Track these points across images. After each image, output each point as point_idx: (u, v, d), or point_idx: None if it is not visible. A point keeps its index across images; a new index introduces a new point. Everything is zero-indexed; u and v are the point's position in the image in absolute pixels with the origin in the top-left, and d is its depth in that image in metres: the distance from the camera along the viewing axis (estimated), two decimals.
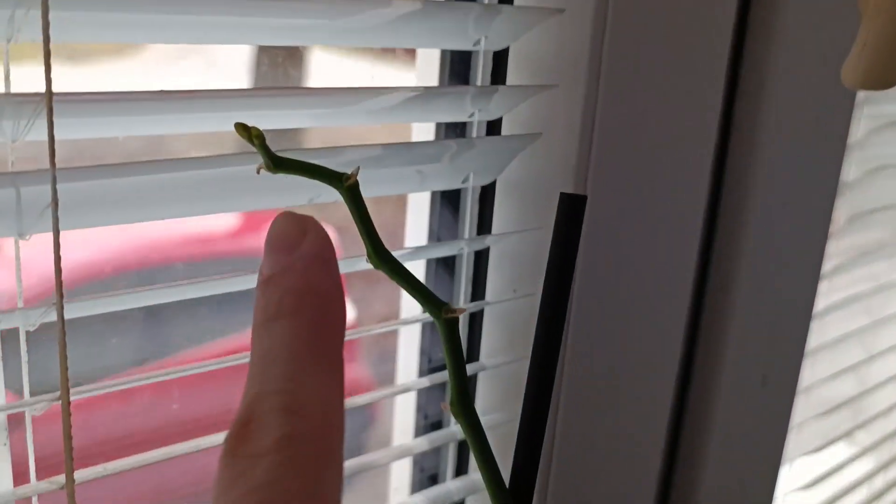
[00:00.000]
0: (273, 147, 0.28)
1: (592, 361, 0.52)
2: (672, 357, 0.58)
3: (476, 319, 0.54)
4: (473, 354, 0.54)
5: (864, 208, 0.83)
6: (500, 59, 0.50)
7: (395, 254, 0.28)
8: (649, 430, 0.58)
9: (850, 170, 0.76)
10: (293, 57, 0.54)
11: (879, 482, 1.00)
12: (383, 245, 0.29)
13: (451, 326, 0.29)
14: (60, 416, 0.31)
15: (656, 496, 0.61)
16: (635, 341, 0.55)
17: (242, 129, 0.28)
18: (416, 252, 0.46)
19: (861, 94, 0.69)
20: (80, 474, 0.35)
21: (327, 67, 0.57)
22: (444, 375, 0.49)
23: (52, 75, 0.29)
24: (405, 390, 0.48)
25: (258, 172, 0.28)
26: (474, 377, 0.53)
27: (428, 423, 0.56)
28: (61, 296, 0.29)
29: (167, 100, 0.32)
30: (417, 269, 0.53)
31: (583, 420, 0.53)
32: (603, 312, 0.52)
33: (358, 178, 0.28)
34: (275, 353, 0.21)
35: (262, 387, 0.20)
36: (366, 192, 0.29)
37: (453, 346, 0.29)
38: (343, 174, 0.28)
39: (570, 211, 0.27)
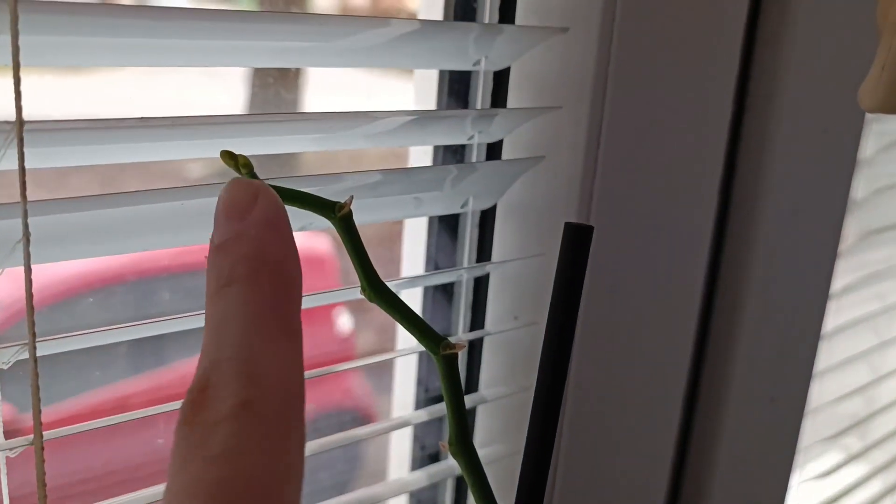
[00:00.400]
0: (265, 169, 0.26)
1: (598, 381, 0.51)
2: (680, 378, 0.56)
3: (475, 348, 0.52)
4: (472, 385, 0.52)
5: (872, 227, 0.81)
6: (500, 79, 0.49)
7: (391, 283, 0.26)
8: (656, 452, 0.57)
9: (859, 188, 0.74)
10: (289, 71, 0.53)
11: None
12: (378, 277, 0.28)
13: (449, 363, 0.27)
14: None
15: None
16: (642, 361, 0.53)
17: (229, 157, 0.26)
18: (413, 281, 0.44)
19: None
20: None
21: (322, 77, 0.55)
22: (442, 408, 0.47)
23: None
24: (402, 425, 0.46)
25: None
26: (473, 409, 0.51)
27: (425, 454, 0.54)
28: (34, 335, 0.27)
29: (149, 127, 0.31)
30: (414, 295, 0.51)
31: (588, 442, 0.51)
32: (608, 331, 0.50)
33: (351, 206, 0.27)
34: (229, 320, 0.20)
35: (218, 354, 0.19)
36: (360, 219, 0.27)
37: (452, 383, 0.28)
38: (336, 203, 0.27)
39: (576, 242, 0.26)
